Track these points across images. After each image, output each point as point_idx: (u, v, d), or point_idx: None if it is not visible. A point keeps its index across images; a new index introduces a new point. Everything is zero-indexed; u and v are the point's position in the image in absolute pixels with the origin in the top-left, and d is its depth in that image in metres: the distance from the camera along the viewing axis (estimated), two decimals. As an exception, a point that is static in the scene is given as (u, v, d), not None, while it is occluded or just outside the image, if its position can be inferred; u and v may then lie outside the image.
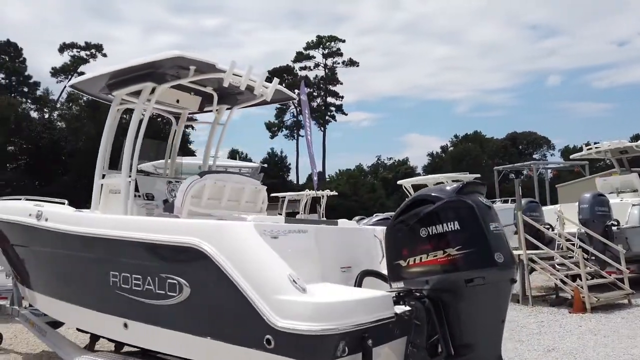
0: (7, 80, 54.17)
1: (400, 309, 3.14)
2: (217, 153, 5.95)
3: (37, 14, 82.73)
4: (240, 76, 4.45)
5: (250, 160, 41.97)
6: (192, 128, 39.26)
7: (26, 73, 55.10)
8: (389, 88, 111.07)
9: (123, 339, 4.19)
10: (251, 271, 3.02)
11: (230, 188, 4.48)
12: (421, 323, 3.08)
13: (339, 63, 62.83)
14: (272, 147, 59.98)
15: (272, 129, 63.20)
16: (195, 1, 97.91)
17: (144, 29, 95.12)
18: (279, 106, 61.70)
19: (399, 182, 19.00)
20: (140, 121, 4.73)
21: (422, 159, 74.86)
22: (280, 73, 58.77)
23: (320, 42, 62.11)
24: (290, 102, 60.45)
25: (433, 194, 3.30)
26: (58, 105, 56.13)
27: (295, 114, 62.29)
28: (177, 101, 5.29)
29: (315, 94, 62.13)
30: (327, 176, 55.02)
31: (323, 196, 21.33)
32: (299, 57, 62.42)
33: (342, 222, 4.56)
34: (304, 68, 62.70)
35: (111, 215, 4.38)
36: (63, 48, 54.67)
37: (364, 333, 2.76)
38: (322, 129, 62.56)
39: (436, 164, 60.29)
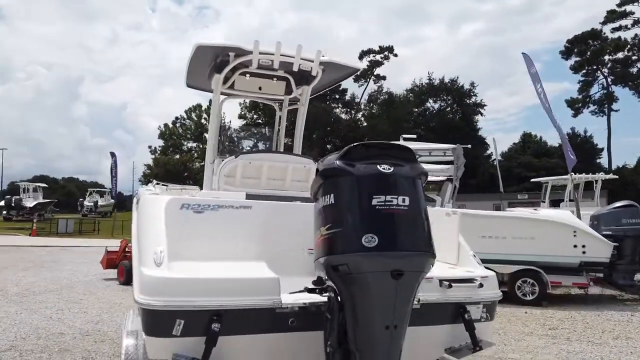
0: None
1: (307, 298, 2.63)
2: (298, 132, 5.92)
3: (360, 28, 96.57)
4: (268, 54, 4.52)
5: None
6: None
7: (336, 82, 64.58)
8: None
9: None
10: (140, 243, 3.06)
11: (269, 167, 4.50)
12: (332, 317, 2.47)
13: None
14: (573, 127, 52.18)
15: (576, 105, 54.97)
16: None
17: (449, 22, 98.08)
18: (582, 79, 53.52)
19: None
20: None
21: None
22: (584, 40, 51.09)
23: (638, -7, 50.18)
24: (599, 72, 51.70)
25: (324, 161, 2.58)
26: (362, 107, 63.78)
27: (606, 85, 52.50)
28: (260, 88, 5.56)
29: (635, 57, 50.80)
30: None
31: (597, 181, 17.90)
32: (610, 16, 52.11)
33: None
34: (618, 29, 51.96)
35: None
36: (362, 55, 61.62)
37: (214, 316, 2.43)
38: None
39: None
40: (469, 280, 3.03)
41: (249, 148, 6.69)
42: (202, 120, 64.36)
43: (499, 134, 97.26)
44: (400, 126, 53.12)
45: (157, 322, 2.44)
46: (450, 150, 10.64)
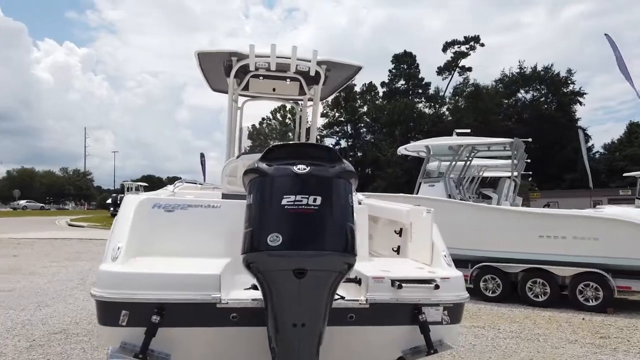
0: (405, 85, 63.70)
1: (251, 294, 2.71)
2: (312, 130, 5.98)
3: (449, 18, 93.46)
4: (265, 56, 4.68)
5: None
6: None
7: (420, 76, 63.21)
8: None
9: None
10: (109, 240, 3.33)
11: None
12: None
13: None
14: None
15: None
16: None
17: (550, 6, 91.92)
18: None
19: None
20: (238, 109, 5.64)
21: None
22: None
23: None
24: None
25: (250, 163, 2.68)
26: (447, 100, 61.75)
27: None
28: (274, 89, 5.75)
29: None
30: None
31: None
32: None
33: None
34: None
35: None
36: (446, 47, 59.61)
37: (156, 308, 2.63)
38: None
39: None
40: (425, 281, 2.92)
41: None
42: (287, 120, 66.29)
43: (609, 123, 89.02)
44: (487, 119, 50.67)
45: (105, 312, 2.65)
46: (508, 145, 10.01)
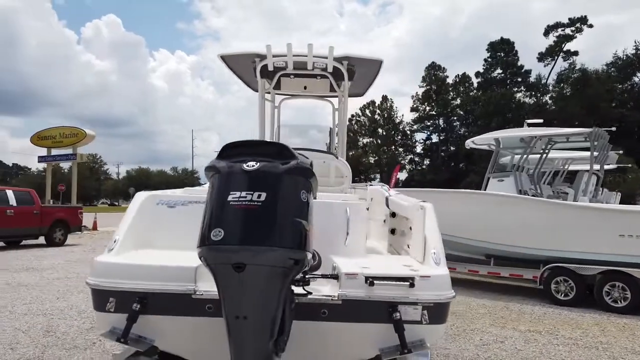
0: (503, 74, 60.15)
1: None
2: (341, 125, 6.00)
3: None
4: (281, 56, 4.85)
5: None
6: None
7: (519, 64, 59.32)
8: None
9: None
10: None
11: None
12: None
13: None
14: None
15: None
16: None
17: None
18: None
19: None
20: (275, 108, 5.91)
21: None
22: None
23: None
24: None
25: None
26: (550, 88, 57.33)
27: None
28: (305, 87, 5.90)
29: None
30: None
31: None
32: None
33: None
34: None
35: None
36: (548, 31, 55.27)
37: (138, 297, 2.90)
38: None
39: None
40: (400, 279, 2.84)
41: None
42: (376, 116, 65.90)
43: None
44: (596, 106, 46.26)
45: (97, 299, 2.94)
46: (587, 135, 9.10)
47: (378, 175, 64.46)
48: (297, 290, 2.74)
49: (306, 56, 4.83)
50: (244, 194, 2.37)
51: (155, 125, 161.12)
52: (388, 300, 2.82)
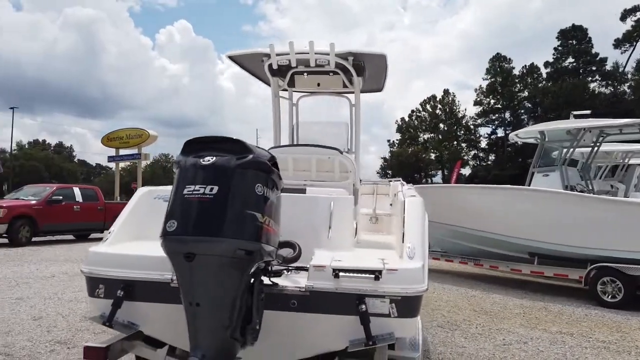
0: (575, 64, 56.60)
1: None
2: (355, 120, 5.97)
3: None
4: (285, 54, 4.97)
5: None
6: None
7: (593, 52, 55.56)
8: None
9: None
10: None
11: (293, 160, 4.91)
12: None
13: None
14: None
15: None
16: None
17: None
18: None
19: None
20: (293, 105, 6.04)
21: None
22: None
23: None
24: None
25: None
26: (629, 77, 53.23)
27: None
28: (318, 84, 5.96)
29: None
30: None
31: None
32: None
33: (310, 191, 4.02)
34: None
35: None
36: (625, 15, 51.29)
37: (123, 284, 3.11)
38: None
39: None
40: (365, 272, 2.84)
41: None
42: (437, 111, 64.26)
43: None
44: (683, 95, 42.37)
45: (89, 285, 3.19)
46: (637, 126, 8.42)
47: (439, 172, 62.96)
48: (266, 281, 2.83)
49: (307, 53, 4.88)
50: (197, 187, 2.47)
51: (223, 125, 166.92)
52: (355, 293, 2.83)
